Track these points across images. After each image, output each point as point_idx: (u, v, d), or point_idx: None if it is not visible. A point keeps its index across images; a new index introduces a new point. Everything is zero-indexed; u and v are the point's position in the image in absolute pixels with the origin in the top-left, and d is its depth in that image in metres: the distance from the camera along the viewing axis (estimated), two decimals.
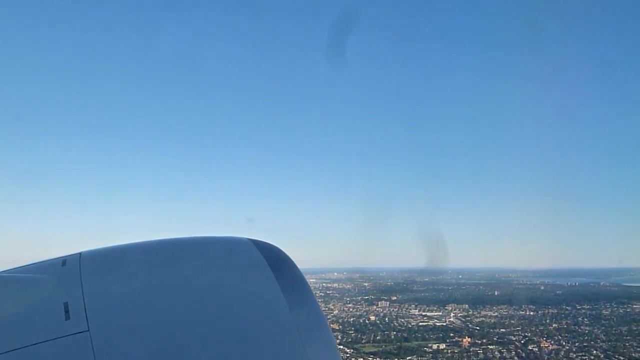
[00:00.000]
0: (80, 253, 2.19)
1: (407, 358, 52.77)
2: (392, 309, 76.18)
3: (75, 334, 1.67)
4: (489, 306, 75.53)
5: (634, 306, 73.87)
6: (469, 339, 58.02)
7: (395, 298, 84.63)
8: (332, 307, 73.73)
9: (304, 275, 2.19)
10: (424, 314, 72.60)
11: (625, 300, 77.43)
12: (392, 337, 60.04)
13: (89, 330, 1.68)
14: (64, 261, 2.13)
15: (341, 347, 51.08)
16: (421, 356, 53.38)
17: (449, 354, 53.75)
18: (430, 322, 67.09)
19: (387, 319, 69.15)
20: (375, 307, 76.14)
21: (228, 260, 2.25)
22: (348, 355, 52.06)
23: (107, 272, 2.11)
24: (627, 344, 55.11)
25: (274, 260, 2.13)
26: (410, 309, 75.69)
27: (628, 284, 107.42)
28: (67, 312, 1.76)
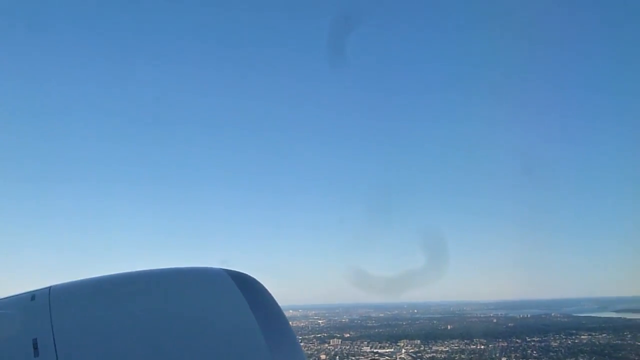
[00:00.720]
0: (49, 287, 2.08)
1: None
2: (343, 347, 75.01)
3: None
4: (440, 341, 75.24)
5: (582, 337, 74.83)
6: None
7: (348, 335, 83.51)
8: None
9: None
10: (375, 350, 71.68)
11: (574, 331, 78.41)
12: None
13: None
14: (33, 296, 2.02)
15: None
16: None
17: None
18: None
19: (337, 357, 67.89)
20: (327, 345, 74.99)
21: (202, 292, 2.16)
22: None
23: (78, 307, 2.00)
24: None
25: (250, 291, 2.07)
26: (362, 346, 74.67)
27: (578, 315, 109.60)
28: (36, 348, 1.70)
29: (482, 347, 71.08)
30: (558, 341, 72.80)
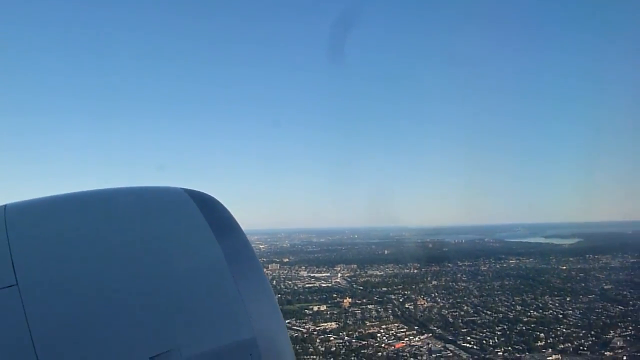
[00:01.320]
0: (5, 205, 2.07)
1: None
2: (282, 272, 75.93)
3: (3, 288, 1.66)
4: (376, 265, 77.21)
5: (510, 261, 78.40)
6: (350, 300, 58.41)
7: (288, 260, 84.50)
8: None
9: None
10: (312, 275, 72.83)
11: (503, 256, 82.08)
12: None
13: (17, 284, 1.67)
14: None
15: None
16: (300, 319, 52.89)
17: (328, 315, 53.74)
18: (317, 284, 67.21)
19: (275, 281, 68.45)
20: (265, 270, 74.65)
21: (161, 211, 2.16)
22: None
23: (35, 225, 2.00)
24: (496, 299, 57.78)
25: (209, 210, 2.08)
26: (300, 271, 75.77)
27: (509, 240, 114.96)
28: None
29: (415, 271, 73.36)
30: (487, 265, 75.98)
